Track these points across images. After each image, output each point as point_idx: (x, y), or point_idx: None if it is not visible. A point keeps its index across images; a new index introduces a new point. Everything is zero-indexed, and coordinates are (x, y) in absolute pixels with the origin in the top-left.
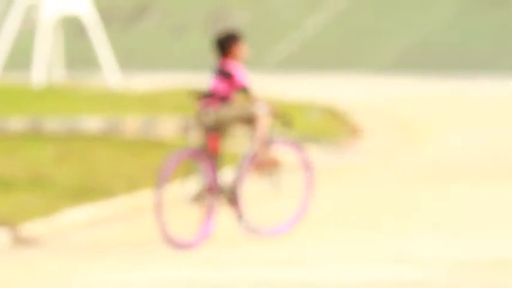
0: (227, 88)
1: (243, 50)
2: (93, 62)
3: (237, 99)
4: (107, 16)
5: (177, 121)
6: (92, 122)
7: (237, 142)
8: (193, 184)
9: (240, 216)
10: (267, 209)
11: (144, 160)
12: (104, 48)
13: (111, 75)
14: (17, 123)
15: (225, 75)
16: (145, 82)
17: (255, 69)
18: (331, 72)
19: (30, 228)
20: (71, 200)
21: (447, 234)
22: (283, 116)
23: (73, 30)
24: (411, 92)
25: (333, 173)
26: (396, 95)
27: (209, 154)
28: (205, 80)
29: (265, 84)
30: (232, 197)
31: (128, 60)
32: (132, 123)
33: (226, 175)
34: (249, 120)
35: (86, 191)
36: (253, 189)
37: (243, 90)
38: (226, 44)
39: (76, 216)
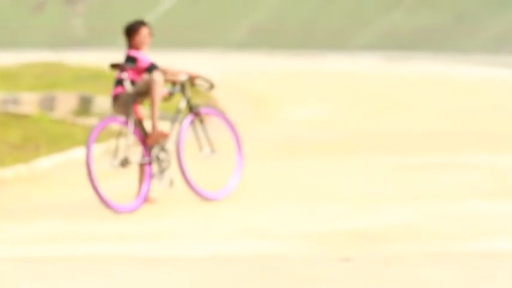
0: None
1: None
2: None
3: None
4: None
5: (36, 96)
6: None
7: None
8: (123, 149)
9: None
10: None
11: (5, 135)
12: None
13: None
14: None
15: (130, 61)
16: (4, 59)
17: (106, 47)
18: (184, 51)
19: None
20: None
21: (300, 208)
22: (205, 78)
23: None
24: (261, 68)
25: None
26: (247, 72)
27: (136, 121)
28: (65, 57)
29: None
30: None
31: None
32: None
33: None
34: (148, 88)
35: None
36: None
37: (150, 68)
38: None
39: None
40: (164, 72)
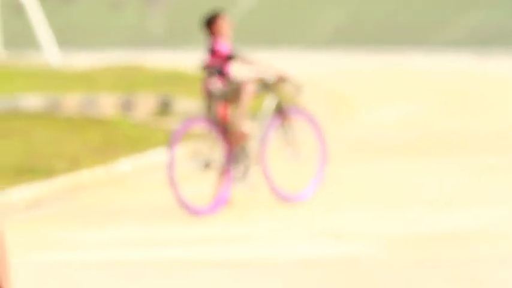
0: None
1: (224, 27)
2: (31, 41)
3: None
4: None
5: (116, 98)
6: (32, 100)
7: None
8: (205, 151)
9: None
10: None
11: (84, 138)
12: (41, 25)
13: (49, 52)
14: None
15: (211, 51)
16: (83, 59)
17: (185, 47)
18: (265, 48)
19: None
20: (11, 179)
21: (380, 209)
22: (293, 82)
23: (10, 9)
24: (344, 67)
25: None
26: (328, 71)
27: (220, 122)
28: (144, 57)
29: None
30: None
31: (66, 37)
32: (71, 101)
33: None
34: (237, 93)
35: (26, 170)
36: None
37: (230, 58)
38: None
39: (17, 195)
40: (251, 64)
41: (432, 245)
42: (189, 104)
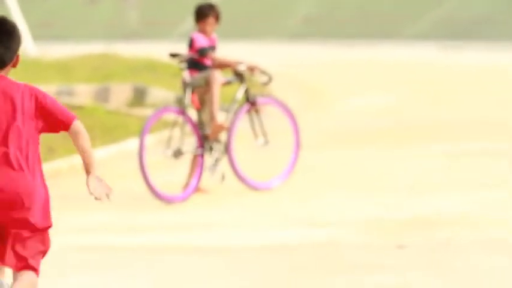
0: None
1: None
2: None
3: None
4: None
5: (92, 87)
6: None
7: None
8: (177, 139)
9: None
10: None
11: None
12: (18, 17)
13: (26, 43)
14: None
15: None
16: (60, 50)
17: (165, 40)
18: (237, 42)
19: None
20: None
21: (356, 196)
22: (263, 71)
23: None
24: (315, 58)
25: (243, 136)
26: (300, 62)
27: (192, 112)
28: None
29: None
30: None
31: (43, 30)
32: (47, 90)
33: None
34: (207, 82)
35: None
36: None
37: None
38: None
39: None
40: (219, 61)
41: (409, 230)
42: (164, 93)
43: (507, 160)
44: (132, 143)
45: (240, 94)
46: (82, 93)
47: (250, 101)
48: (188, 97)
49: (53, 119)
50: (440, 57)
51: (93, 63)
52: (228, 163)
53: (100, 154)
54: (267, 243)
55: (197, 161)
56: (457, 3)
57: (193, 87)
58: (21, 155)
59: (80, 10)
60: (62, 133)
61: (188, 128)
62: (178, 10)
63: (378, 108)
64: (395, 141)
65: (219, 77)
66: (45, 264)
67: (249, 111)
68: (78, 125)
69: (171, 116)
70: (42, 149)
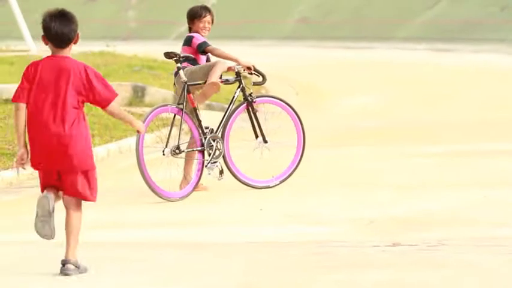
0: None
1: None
2: (14, 30)
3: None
4: None
5: None
6: (12, 89)
7: None
8: (176, 137)
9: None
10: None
11: None
12: (20, 15)
13: (28, 42)
14: None
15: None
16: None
17: (161, 40)
18: (232, 44)
19: None
20: None
21: (348, 194)
22: (258, 71)
23: None
24: (309, 59)
25: (244, 135)
26: (295, 63)
27: (190, 109)
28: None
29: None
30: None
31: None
32: None
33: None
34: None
35: (4, 155)
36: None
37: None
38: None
39: None
40: (218, 53)
41: (404, 228)
42: (163, 92)
43: (498, 159)
44: (131, 141)
45: (237, 93)
46: None
47: (248, 100)
48: (186, 95)
49: (92, 96)
50: (431, 58)
51: (93, 62)
52: (225, 160)
53: (99, 152)
54: (262, 240)
55: (196, 159)
56: (448, 6)
57: (191, 86)
58: (67, 118)
59: (79, 9)
60: None
61: (186, 126)
62: (178, 10)
63: (371, 108)
64: (389, 141)
65: (218, 84)
66: (41, 260)
67: (247, 110)
68: (111, 109)
69: (169, 114)
70: None
